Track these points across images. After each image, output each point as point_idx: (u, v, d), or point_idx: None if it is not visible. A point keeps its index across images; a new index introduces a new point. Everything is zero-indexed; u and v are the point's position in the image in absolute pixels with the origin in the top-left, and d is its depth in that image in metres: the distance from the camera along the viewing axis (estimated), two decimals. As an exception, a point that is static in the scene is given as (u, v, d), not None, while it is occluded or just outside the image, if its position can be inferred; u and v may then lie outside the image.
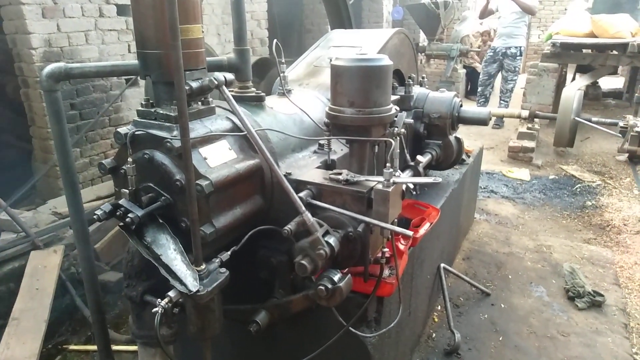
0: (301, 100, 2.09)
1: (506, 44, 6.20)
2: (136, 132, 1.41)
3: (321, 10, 3.49)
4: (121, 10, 4.02)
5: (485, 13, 6.51)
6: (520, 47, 6.17)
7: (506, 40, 6.20)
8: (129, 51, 4.14)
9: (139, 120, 1.45)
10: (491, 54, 6.45)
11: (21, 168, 4.03)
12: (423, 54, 8.80)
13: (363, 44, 2.56)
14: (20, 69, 3.59)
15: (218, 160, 1.45)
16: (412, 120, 2.51)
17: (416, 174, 2.23)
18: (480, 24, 8.92)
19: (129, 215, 1.35)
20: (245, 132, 1.46)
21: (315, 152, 1.93)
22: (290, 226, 1.42)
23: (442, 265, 2.71)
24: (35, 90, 3.56)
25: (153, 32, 1.33)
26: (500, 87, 6.64)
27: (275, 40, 2.01)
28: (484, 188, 4.76)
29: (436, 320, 2.70)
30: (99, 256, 3.10)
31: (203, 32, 1.45)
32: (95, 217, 1.39)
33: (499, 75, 6.66)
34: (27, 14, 3.36)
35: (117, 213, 1.39)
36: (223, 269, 1.37)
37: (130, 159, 1.38)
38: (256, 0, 5.48)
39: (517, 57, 6.15)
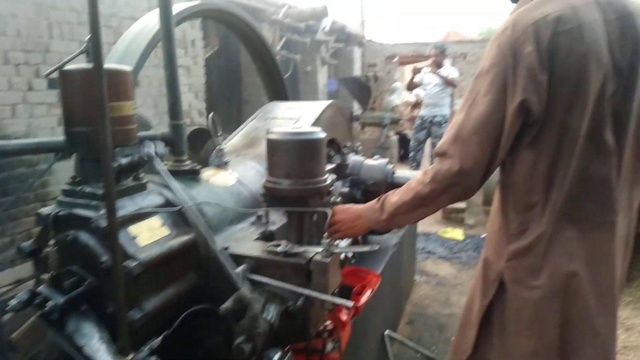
0: (238, 171, 2.09)
1: (432, 113, 6.67)
2: (60, 213, 1.34)
3: (259, 82, 3.61)
4: (52, 83, 3.93)
5: (411, 86, 7.03)
6: (445, 115, 6.65)
7: (432, 110, 6.67)
8: (59, 124, 4.02)
9: (64, 199, 1.38)
10: (419, 122, 6.89)
11: None
12: (358, 122, 9.25)
13: (299, 116, 2.65)
14: None
15: (149, 238, 1.39)
16: (348, 189, 2.57)
17: (355, 241, 2.25)
18: (409, 94, 9.58)
19: (49, 303, 1.24)
20: (179, 207, 1.43)
21: (253, 223, 1.90)
22: (227, 304, 1.37)
23: (387, 332, 2.69)
24: (-50, 166, 3.32)
25: (81, 109, 1.31)
26: (430, 152, 7.04)
27: (212, 113, 2.04)
28: (422, 249, 4.88)
29: (384, 390, 2.62)
30: (15, 347, 2.78)
31: (135, 108, 1.44)
32: (8, 307, 1.26)
33: (429, 141, 7.09)
34: (-54, 87, 3.21)
35: (35, 301, 1.28)
36: (153, 358, 1.27)
37: (52, 242, 1.29)
38: (194, 73, 5.58)
39: (443, 125, 6.61)
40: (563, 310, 1.21)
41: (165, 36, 1.65)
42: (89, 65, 1.27)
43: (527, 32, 1.10)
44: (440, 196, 1.28)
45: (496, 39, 1.16)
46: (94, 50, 1.07)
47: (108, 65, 1.25)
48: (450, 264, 4.58)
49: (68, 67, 1.32)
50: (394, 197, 1.38)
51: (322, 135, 1.59)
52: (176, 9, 2.42)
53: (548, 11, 1.12)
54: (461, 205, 5.84)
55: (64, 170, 4.05)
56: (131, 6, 4.62)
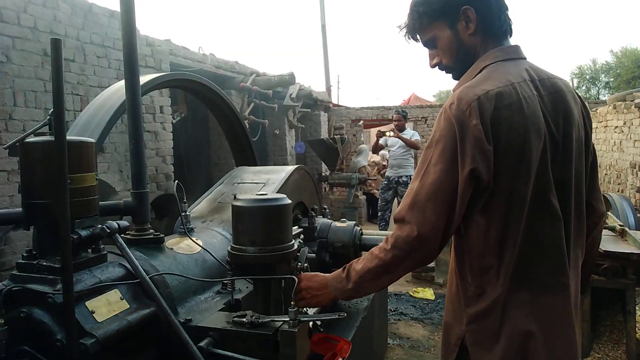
0: (204, 238, 2.07)
1: (397, 174, 6.87)
2: (12, 289, 1.27)
3: (227, 145, 3.66)
4: (13, 151, 3.86)
5: (376, 148, 7.27)
6: (410, 174, 6.85)
7: (397, 171, 6.87)
8: (19, 192, 3.90)
9: (18, 274, 1.32)
10: (385, 182, 7.06)
11: None
12: (326, 182, 9.38)
13: (266, 181, 2.68)
14: None
15: (108, 313, 1.33)
16: (314, 255, 2.55)
17: (323, 306, 2.21)
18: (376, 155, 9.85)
19: (-7, 389, 1.15)
20: (137, 280, 1.39)
21: (219, 292, 1.86)
22: (189, 381, 1.30)
23: (360, 401, 2.58)
24: None
25: (40, 182, 1.29)
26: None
27: (176, 181, 2.04)
28: (394, 310, 4.82)
29: None
30: None
31: (100, 174, 1.43)
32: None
33: (396, 200, 7.23)
34: None
35: (-21, 388, 1.18)
36: None
37: (1, 320, 1.22)
38: (162, 138, 5.60)
39: (409, 184, 6.79)
40: None
41: (131, 107, 1.67)
42: (50, 138, 1.27)
43: (471, 106, 1.19)
44: (403, 262, 1.30)
45: (444, 112, 1.24)
46: (57, 122, 1.08)
47: (70, 137, 1.26)
48: (422, 326, 4.52)
49: (29, 139, 1.32)
50: (358, 265, 1.39)
51: (287, 201, 1.61)
52: (144, 79, 2.48)
53: (489, 88, 1.21)
54: (431, 264, 5.87)
55: (21, 239, 3.89)
56: (99, 75, 4.68)
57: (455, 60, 1.38)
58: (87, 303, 1.31)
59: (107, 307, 1.35)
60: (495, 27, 1.32)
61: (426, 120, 11.13)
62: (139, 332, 1.39)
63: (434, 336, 4.26)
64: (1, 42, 3.75)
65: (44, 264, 1.31)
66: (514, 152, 1.19)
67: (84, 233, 1.32)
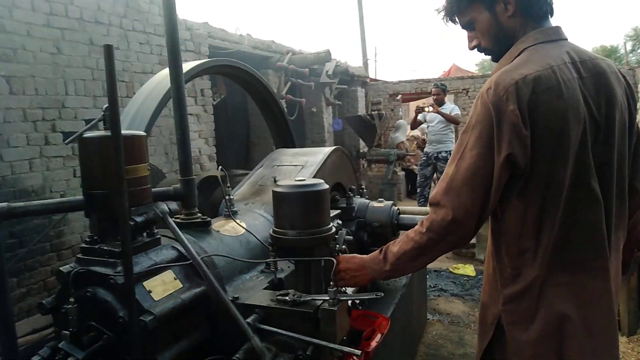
0: (247, 220, 2.17)
1: (437, 149, 6.77)
2: (79, 271, 1.41)
3: (266, 125, 3.75)
4: (68, 136, 4.10)
5: (415, 124, 7.18)
6: (450, 150, 6.74)
7: (436, 146, 6.78)
8: (74, 175, 4.16)
9: (83, 257, 1.46)
10: (424, 158, 6.99)
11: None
12: (364, 159, 9.39)
13: (304, 163, 2.75)
14: (-44, 200, 3.49)
15: (163, 292, 1.46)
16: (352, 237, 2.61)
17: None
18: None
19: (69, 359, 1.30)
20: (189, 262, 1.50)
21: (262, 271, 1.97)
22: (238, 354, 1.41)
23: (399, 374, 2.67)
24: (-30, 221, 3.44)
25: (99, 174, 1.41)
26: (437, 187, 7.09)
27: (220, 167, 2.14)
28: (434, 287, 4.86)
29: None
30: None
31: (147, 166, 1.54)
32: (31, 364, 1.33)
33: (435, 176, 7.16)
34: (-31, 146, 3.37)
35: (57, 357, 1.34)
36: (169, 410, 1.31)
37: (71, 299, 1.37)
38: (204, 120, 5.77)
39: (448, 160, 6.70)
40: (559, 352, 1.24)
41: (176, 98, 1.77)
42: (106, 133, 1.38)
43: (508, 91, 1.19)
44: (438, 244, 1.34)
45: (480, 97, 1.25)
46: (112, 119, 1.18)
47: (124, 131, 1.36)
48: (462, 302, 4.54)
49: (87, 134, 1.43)
50: (395, 247, 1.44)
51: (325, 186, 1.67)
52: (186, 67, 2.58)
53: (527, 72, 1.20)
54: (471, 240, 5.84)
55: (78, 220, 4.16)
56: (142, 61, 4.86)
57: (494, 42, 1.38)
58: (144, 283, 1.44)
59: (163, 287, 1.48)
60: (535, 9, 1.30)
61: (467, 92, 10.82)
62: (192, 309, 1.52)
63: (474, 312, 4.29)
64: (52, 35, 3.95)
65: (105, 248, 1.44)
66: (552, 136, 1.19)
67: (139, 219, 1.44)
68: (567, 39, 1.33)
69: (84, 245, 1.49)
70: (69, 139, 1.43)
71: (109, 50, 1.04)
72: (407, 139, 10.05)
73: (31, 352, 1.43)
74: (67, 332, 1.37)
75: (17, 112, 3.70)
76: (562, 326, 1.24)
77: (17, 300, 3.63)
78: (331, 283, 1.54)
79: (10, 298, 1.77)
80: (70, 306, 1.36)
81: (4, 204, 1.63)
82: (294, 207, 1.62)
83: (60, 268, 1.43)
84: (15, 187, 3.67)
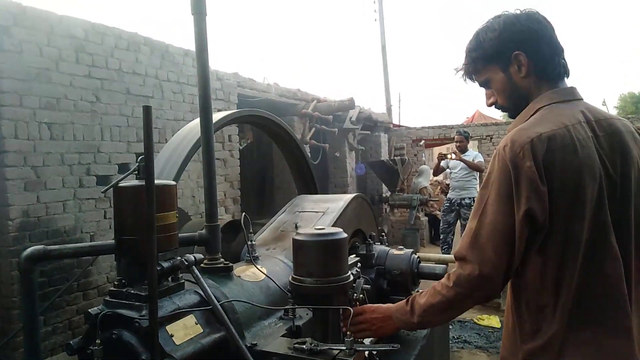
0: (268, 266, 2.22)
1: (460, 195, 6.75)
2: (106, 313, 1.48)
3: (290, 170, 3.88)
4: (101, 180, 4.30)
5: (437, 171, 7.22)
6: (473, 197, 6.71)
7: (460, 193, 6.76)
8: (105, 217, 4.32)
9: (110, 300, 1.53)
10: (447, 204, 6.96)
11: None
12: (387, 204, 9.40)
13: (325, 209, 2.81)
14: (-6, 240, 3.67)
15: (184, 336, 1.50)
16: (369, 286, 2.61)
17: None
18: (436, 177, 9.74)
19: (93, 400, 1.34)
20: (210, 307, 1.55)
21: (281, 318, 1.99)
22: (255, 402, 1.43)
23: None
24: (6, 260, 3.59)
25: (131, 221, 1.50)
26: (461, 233, 7.02)
27: (244, 213, 2.22)
28: (457, 338, 4.73)
29: None
30: None
31: (176, 213, 1.62)
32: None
33: (459, 223, 7.09)
34: (10, 188, 3.57)
35: (81, 398, 1.39)
36: None
37: (98, 341, 1.43)
38: (230, 164, 5.95)
39: (472, 207, 6.66)
40: None
41: (205, 148, 1.88)
42: (140, 183, 1.48)
43: (524, 148, 1.23)
44: (466, 299, 1.35)
45: (498, 154, 1.30)
46: (147, 170, 1.27)
47: (156, 181, 1.46)
48: (487, 355, 4.40)
49: (122, 183, 1.54)
50: (422, 299, 1.45)
51: (343, 235, 1.72)
52: (216, 117, 2.73)
53: (542, 130, 1.25)
54: (496, 289, 5.69)
55: (105, 260, 4.28)
56: (175, 109, 5.11)
57: (509, 101, 1.44)
58: (167, 327, 1.49)
59: (184, 331, 1.53)
60: (548, 70, 1.36)
61: (491, 138, 10.84)
62: (211, 354, 1.55)
63: (499, 366, 4.14)
64: (92, 85, 4.23)
65: (132, 292, 1.51)
66: (568, 192, 1.22)
67: (166, 265, 1.52)
68: (582, 99, 1.38)
69: (112, 288, 1.56)
70: (105, 189, 1.54)
71: (147, 111, 1.15)
72: (431, 184, 10.05)
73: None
74: (92, 373, 1.42)
75: (56, 156, 3.92)
76: None
77: (42, 339, 3.71)
78: (348, 333, 1.56)
79: (41, 338, 1.84)
80: (96, 347, 1.42)
81: (41, 247, 1.74)
82: (312, 255, 1.67)
83: (89, 310, 1.49)
84: (48, 227, 3.84)
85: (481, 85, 1.50)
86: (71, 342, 1.52)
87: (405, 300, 1.52)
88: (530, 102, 1.39)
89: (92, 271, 4.18)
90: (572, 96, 1.37)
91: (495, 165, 1.29)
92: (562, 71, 1.39)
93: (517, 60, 1.37)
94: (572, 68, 1.42)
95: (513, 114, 1.46)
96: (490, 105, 1.52)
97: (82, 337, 1.55)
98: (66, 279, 3.85)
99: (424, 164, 10.86)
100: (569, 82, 1.42)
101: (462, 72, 1.51)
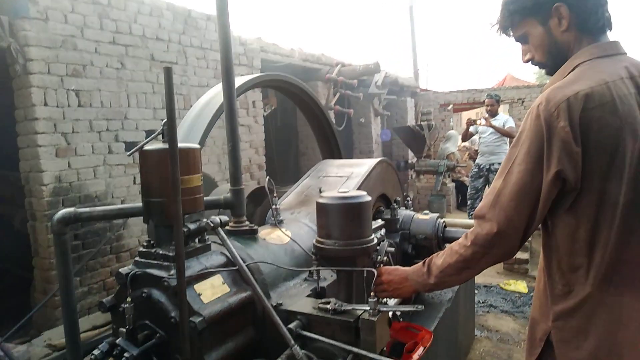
0: (292, 229, 2.24)
1: (489, 161, 6.60)
2: (136, 272, 1.53)
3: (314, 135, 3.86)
4: (129, 146, 4.37)
5: (466, 137, 7.03)
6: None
7: (489, 158, 6.61)
8: (134, 182, 4.42)
9: (140, 260, 1.58)
10: (476, 170, 6.82)
11: (20, 297, 4.06)
12: (413, 170, 9.30)
13: (350, 174, 2.79)
14: (30, 204, 3.81)
15: (212, 295, 1.54)
16: (393, 249, 2.61)
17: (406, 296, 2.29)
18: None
19: (125, 354, 1.40)
20: (236, 267, 1.58)
21: (306, 279, 2.02)
22: (281, 359, 1.47)
23: (443, 390, 2.63)
24: (42, 224, 3.74)
25: (157, 183, 1.52)
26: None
27: (267, 177, 2.23)
28: (483, 302, 4.73)
29: None
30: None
31: (200, 176, 1.64)
32: (92, 357, 1.44)
33: (487, 189, 6.98)
34: (42, 154, 3.68)
35: (114, 352, 1.45)
36: (214, 408, 1.38)
37: (129, 299, 1.48)
38: (254, 131, 5.96)
39: (497, 173, 6.52)
40: None
41: (228, 113, 1.87)
42: (164, 146, 1.49)
43: (560, 108, 1.18)
44: (483, 258, 1.34)
45: (531, 112, 1.25)
46: (170, 133, 1.28)
47: (180, 144, 1.46)
48: (513, 319, 4.39)
49: (147, 146, 1.55)
50: (439, 260, 1.45)
51: (367, 198, 1.71)
52: (238, 81, 2.71)
53: (579, 88, 1.18)
54: (524, 255, 5.63)
55: (137, 225, 4.41)
56: (199, 75, 5.10)
57: (547, 57, 1.37)
58: (195, 286, 1.53)
59: (212, 290, 1.57)
60: (590, 23, 1.28)
61: (523, 102, 10.48)
62: (238, 313, 1.59)
63: (525, 330, 4.13)
64: (117, 51, 4.25)
65: (160, 252, 1.55)
66: (605, 153, 1.17)
67: (192, 227, 1.54)
68: (625, 54, 1.30)
69: (141, 249, 1.60)
70: (131, 151, 1.55)
71: (168, 72, 1.14)
72: (459, 150, 9.86)
73: (91, 347, 1.56)
74: (123, 329, 1.48)
75: (84, 123, 4.00)
76: (619, 347, 1.20)
77: (79, 299, 3.90)
78: (372, 294, 1.57)
79: (76, 297, 1.93)
80: (127, 305, 1.47)
81: (72, 209, 1.79)
82: (336, 218, 1.67)
83: (120, 270, 1.54)
84: (80, 192, 3.95)
85: (517, 40, 1.42)
86: (104, 300, 1.58)
87: (422, 262, 1.51)
88: (569, 58, 1.31)
89: (124, 235, 4.32)
90: (614, 51, 1.28)
91: (528, 124, 1.24)
92: (605, 24, 1.30)
93: (557, 12, 1.28)
94: (616, 20, 1.33)
95: (551, 71, 1.38)
96: (526, 61, 1.44)
97: (114, 295, 1.61)
98: (99, 242, 3.99)
99: (452, 129, 10.63)
100: (612, 35, 1.33)
101: (496, 27, 1.43)
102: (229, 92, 1.89)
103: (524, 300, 4.79)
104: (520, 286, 5.14)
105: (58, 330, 3.37)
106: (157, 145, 1.56)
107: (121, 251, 4.31)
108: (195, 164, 1.57)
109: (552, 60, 1.37)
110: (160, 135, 1.60)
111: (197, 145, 1.62)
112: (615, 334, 1.21)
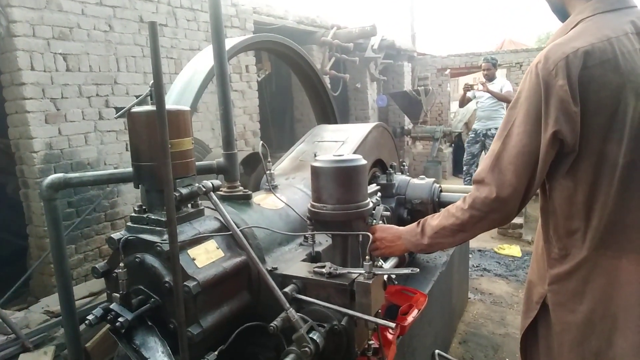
0: (287, 195, 2.21)
1: (486, 126, 6.56)
2: (128, 238, 1.50)
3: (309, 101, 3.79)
4: (120, 112, 4.29)
5: (463, 102, 6.95)
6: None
7: (486, 123, 6.56)
8: (127, 149, 4.36)
9: (132, 225, 1.55)
10: (473, 135, 6.78)
11: (16, 266, 4.06)
12: (409, 136, 9.24)
13: (345, 139, 2.75)
14: (22, 171, 3.76)
15: (206, 260, 1.53)
16: (389, 213, 2.60)
17: (401, 260, 2.29)
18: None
19: (119, 319, 1.40)
20: (231, 232, 1.56)
21: (301, 244, 2.01)
22: (276, 322, 1.47)
23: (437, 351, 2.69)
24: (34, 191, 3.70)
25: (146, 147, 1.48)
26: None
27: (261, 142, 2.18)
28: (477, 266, 4.79)
29: (435, 410, 2.62)
30: (89, 355, 3.04)
31: (193, 139, 1.59)
32: (86, 322, 1.44)
33: (483, 154, 6.95)
34: (31, 120, 3.60)
35: (108, 317, 1.44)
36: (210, 370, 1.39)
37: (122, 264, 1.46)
38: (248, 96, 5.85)
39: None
40: (608, 340, 1.21)
41: (219, 75, 1.81)
42: (152, 108, 1.43)
43: (558, 65, 1.13)
44: (479, 222, 1.32)
45: (530, 71, 1.20)
46: (157, 94, 1.23)
47: (169, 106, 1.41)
48: (506, 282, 4.46)
49: (135, 109, 1.50)
50: (433, 222, 1.43)
51: (362, 162, 1.67)
52: (229, 43, 2.62)
53: (579, 45, 1.13)
54: (519, 220, 5.67)
55: (131, 192, 4.38)
56: (190, 38, 4.96)
57: (552, 9, 1.33)
58: (189, 251, 1.51)
59: (206, 255, 1.55)
60: None
61: (521, 66, 10.30)
62: (233, 277, 1.58)
63: (518, 293, 4.21)
64: (104, 12, 4.10)
65: (153, 217, 1.52)
66: (605, 112, 1.13)
67: (184, 191, 1.51)
68: (634, 7, 1.23)
69: (133, 214, 1.57)
70: (118, 114, 1.50)
71: (153, 27, 1.08)
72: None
73: (88, 313, 1.55)
74: (117, 294, 1.47)
75: (73, 88, 3.90)
76: (614, 311, 1.20)
77: (74, 266, 3.91)
78: (367, 257, 1.56)
79: (69, 263, 1.91)
80: (120, 270, 1.46)
81: (61, 175, 1.75)
82: (330, 181, 1.64)
83: (112, 235, 1.52)
84: (72, 159, 3.90)
85: None
86: (97, 265, 1.56)
87: (416, 222, 1.50)
88: (572, 14, 1.26)
89: (118, 202, 4.30)
90: (622, 4, 1.22)
91: (526, 84, 1.20)
92: None
93: None
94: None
95: (562, 19, 1.33)
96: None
97: (107, 261, 1.59)
98: (94, 210, 3.97)
99: (449, 95, 10.51)
100: None
101: None
102: (220, 53, 1.82)
103: (517, 264, 4.85)
104: (514, 250, 5.20)
105: (55, 297, 3.39)
106: (146, 107, 1.50)
107: (116, 218, 4.29)
108: (185, 127, 1.53)
109: (557, 14, 1.32)
110: (149, 98, 1.55)
111: (186, 108, 1.57)
112: (610, 297, 1.21)
